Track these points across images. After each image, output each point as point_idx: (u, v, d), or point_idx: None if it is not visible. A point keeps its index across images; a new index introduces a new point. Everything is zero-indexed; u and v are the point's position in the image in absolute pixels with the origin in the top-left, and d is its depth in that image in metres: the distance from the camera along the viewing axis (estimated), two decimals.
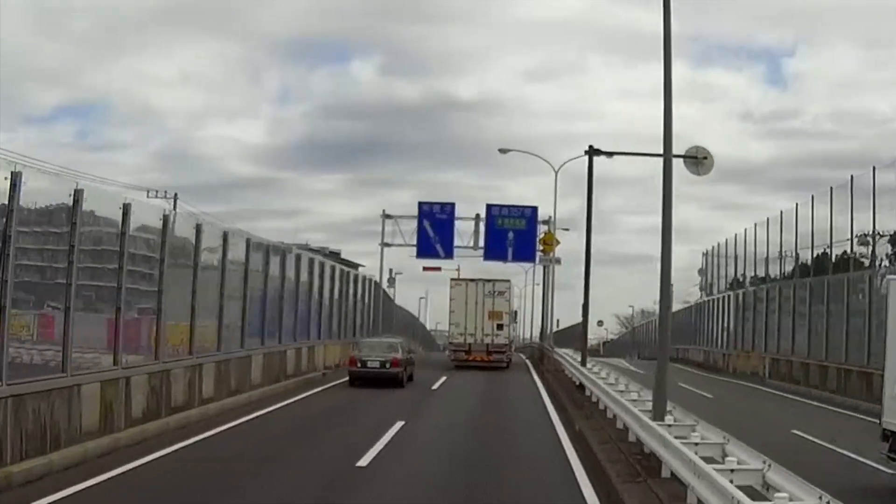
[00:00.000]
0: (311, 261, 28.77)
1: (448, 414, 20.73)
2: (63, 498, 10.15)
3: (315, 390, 24.53)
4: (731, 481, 8.34)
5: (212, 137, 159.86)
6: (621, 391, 18.31)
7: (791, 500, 7.50)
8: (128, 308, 14.26)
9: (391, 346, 27.87)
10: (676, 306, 54.51)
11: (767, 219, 40.50)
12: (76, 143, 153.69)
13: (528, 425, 19.00)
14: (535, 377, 33.66)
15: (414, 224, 47.05)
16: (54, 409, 11.80)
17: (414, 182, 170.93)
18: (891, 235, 28.78)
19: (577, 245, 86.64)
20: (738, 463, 9.28)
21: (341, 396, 23.77)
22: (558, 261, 46.25)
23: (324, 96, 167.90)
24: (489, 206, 47.27)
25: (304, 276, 27.13)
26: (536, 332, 65.22)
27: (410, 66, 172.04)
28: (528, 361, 47.02)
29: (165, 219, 15.61)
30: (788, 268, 38.47)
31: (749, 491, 8.36)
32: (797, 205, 35.87)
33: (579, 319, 32.21)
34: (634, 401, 16.01)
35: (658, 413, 13.30)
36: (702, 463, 8.87)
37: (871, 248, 30.06)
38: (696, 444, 10.61)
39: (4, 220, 10.65)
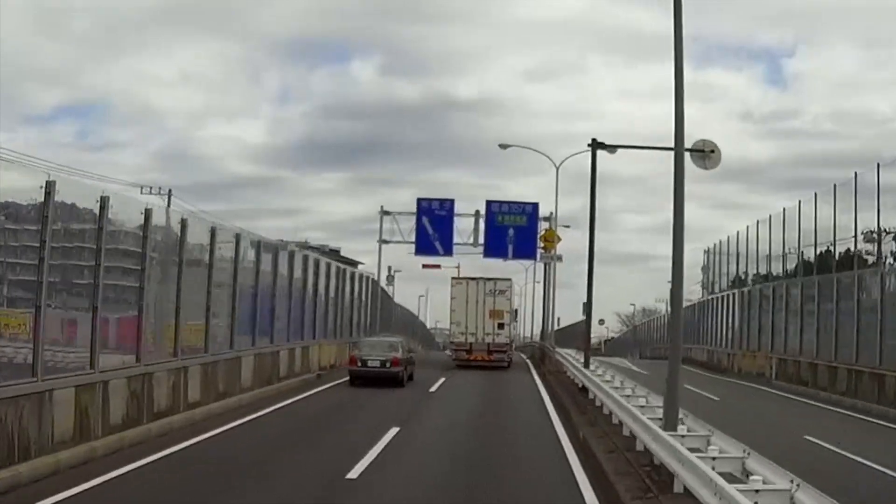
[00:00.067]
0: (306, 258, 27.90)
1: (448, 415, 20.33)
2: None
3: (311, 392, 23.87)
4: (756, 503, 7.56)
5: (212, 137, 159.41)
6: (627, 396, 17.58)
7: None
8: (106, 307, 13.47)
9: (392, 346, 27.64)
10: None
11: (770, 216, 39.85)
12: (76, 142, 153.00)
13: (529, 425, 18.68)
14: (537, 379, 32.95)
15: (413, 221, 46.20)
16: (23, 417, 11.03)
17: (414, 181, 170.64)
18: None
19: (578, 243, 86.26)
20: (764, 482, 8.44)
21: (339, 397, 23.30)
22: (559, 258, 45.53)
23: (324, 96, 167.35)
24: (489, 203, 46.44)
25: (297, 274, 26.29)
26: (537, 331, 64.48)
27: (410, 66, 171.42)
28: (528, 361, 46.22)
29: (147, 213, 14.82)
30: (791, 265, 37.93)
31: None
32: (800, 202, 35.33)
33: (580, 318, 31.63)
34: (642, 407, 15.27)
35: (669, 423, 12.48)
36: (723, 483, 8.03)
37: (877, 245, 29.53)
38: (714, 458, 9.78)
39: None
